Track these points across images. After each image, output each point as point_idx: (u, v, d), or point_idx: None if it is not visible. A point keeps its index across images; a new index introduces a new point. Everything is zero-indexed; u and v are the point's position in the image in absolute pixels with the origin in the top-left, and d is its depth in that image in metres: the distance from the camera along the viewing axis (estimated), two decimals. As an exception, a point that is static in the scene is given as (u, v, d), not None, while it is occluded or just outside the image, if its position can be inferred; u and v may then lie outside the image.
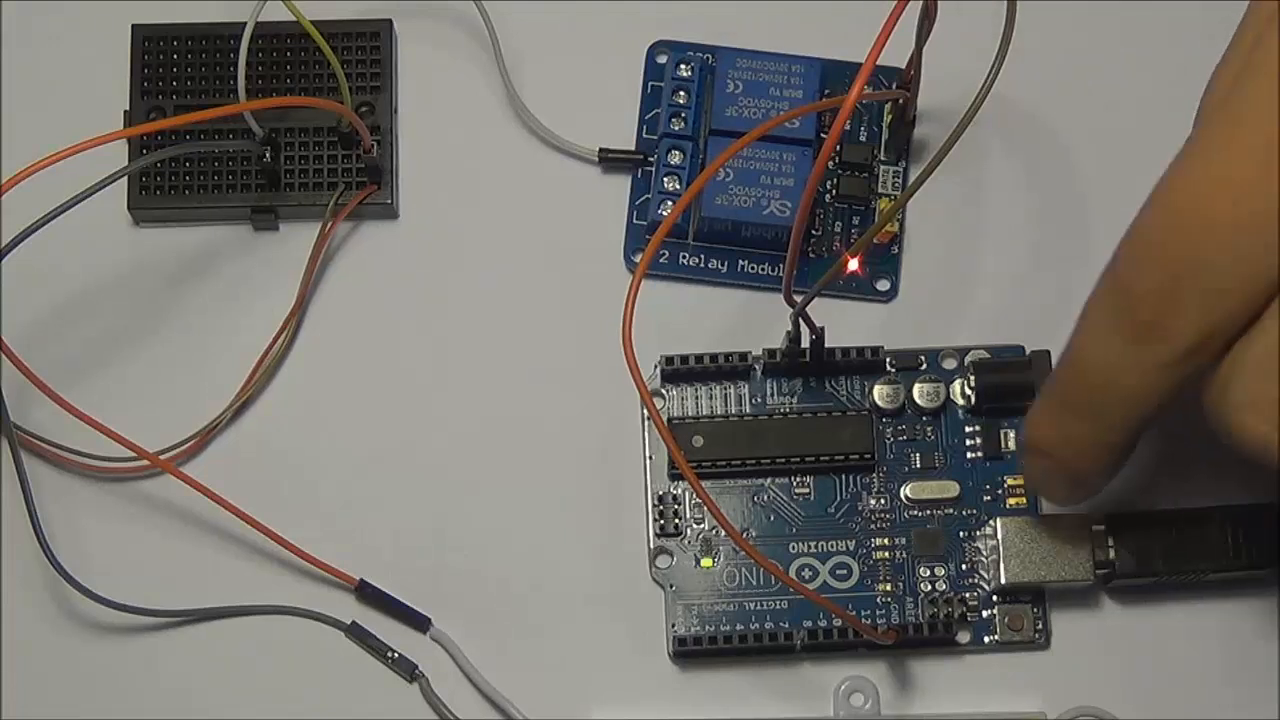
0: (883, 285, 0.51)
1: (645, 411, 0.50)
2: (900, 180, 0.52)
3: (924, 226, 0.52)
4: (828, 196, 0.52)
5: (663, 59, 0.53)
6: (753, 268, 0.51)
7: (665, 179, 0.51)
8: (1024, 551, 0.48)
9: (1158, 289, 0.39)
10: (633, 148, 0.52)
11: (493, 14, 0.52)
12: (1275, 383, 0.38)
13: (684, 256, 0.51)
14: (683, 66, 0.52)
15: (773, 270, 0.51)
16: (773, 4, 0.53)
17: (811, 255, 0.51)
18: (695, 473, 0.46)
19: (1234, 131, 0.39)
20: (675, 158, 0.51)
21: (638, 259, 0.51)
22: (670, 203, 0.51)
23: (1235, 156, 0.39)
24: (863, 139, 0.52)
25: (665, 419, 0.50)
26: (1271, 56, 0.39)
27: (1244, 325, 0.39)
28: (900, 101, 0.51)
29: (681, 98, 0.51)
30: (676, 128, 0.51)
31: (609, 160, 0.52)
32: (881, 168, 0.52)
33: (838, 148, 0.52)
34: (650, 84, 0.53)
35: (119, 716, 0.48)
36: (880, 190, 0.52)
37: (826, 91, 0.52)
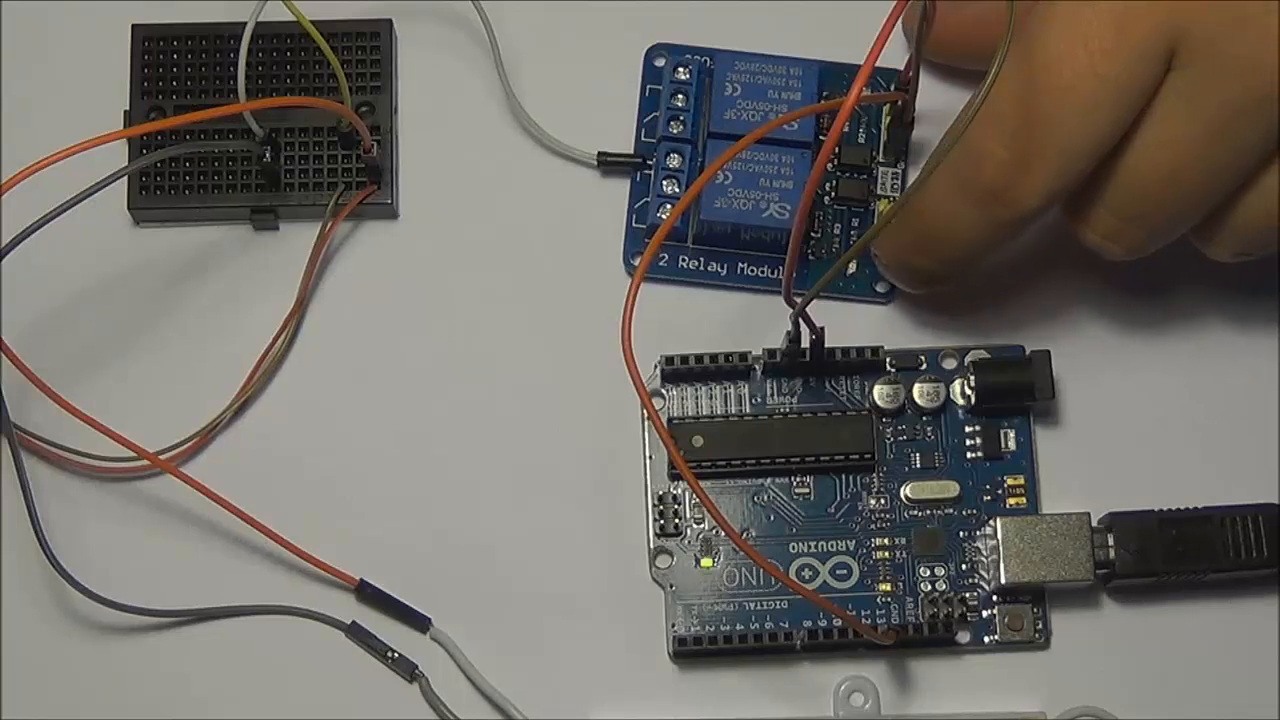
0: (882, 287, 0.51)
1: (645, 412, 0.50)
2: (899, 182, 0.52)
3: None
4: (827, 198, 0.52)
5: (661, 62, 0.53)
6: (752, 270, 0.51)
7: (664, 182, 0.51)
8: (1024, 551, 0.48)
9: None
10: (631, 151, 0.52)
11: (491, 17, 0.52)
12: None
13: (683, 259, 0.51)
14: (681, 69, 0.52)
15: (772, 273, 0.51)
16: (770, 6, 0.53)
17: (811, 257, 0.51)
18: (695, 473, 0.46)
19: None
20: (674, 161, 0.51)
21: (637, 262, 0.51)
22: (669, 206, 0.51)
23: None
24: (861, 141, 0.52)
25: (665, 419, 0.50)
26: None
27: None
28: (899, 103, 0.51)
29: (680, 101, 0.51)
30: (675, 131, 0.51)
31: (608, 164, 0.52)
32: (880, 169, 0.52)
33: (836, 150, 0.52)
34: (648, 87, 0.53)
35: (119, 716, 0.48)
36: (879, 192, 0.52)
37: (825, 94, 0.52)
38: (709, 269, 0.51)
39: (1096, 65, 0.42)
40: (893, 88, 0.51)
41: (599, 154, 0.52)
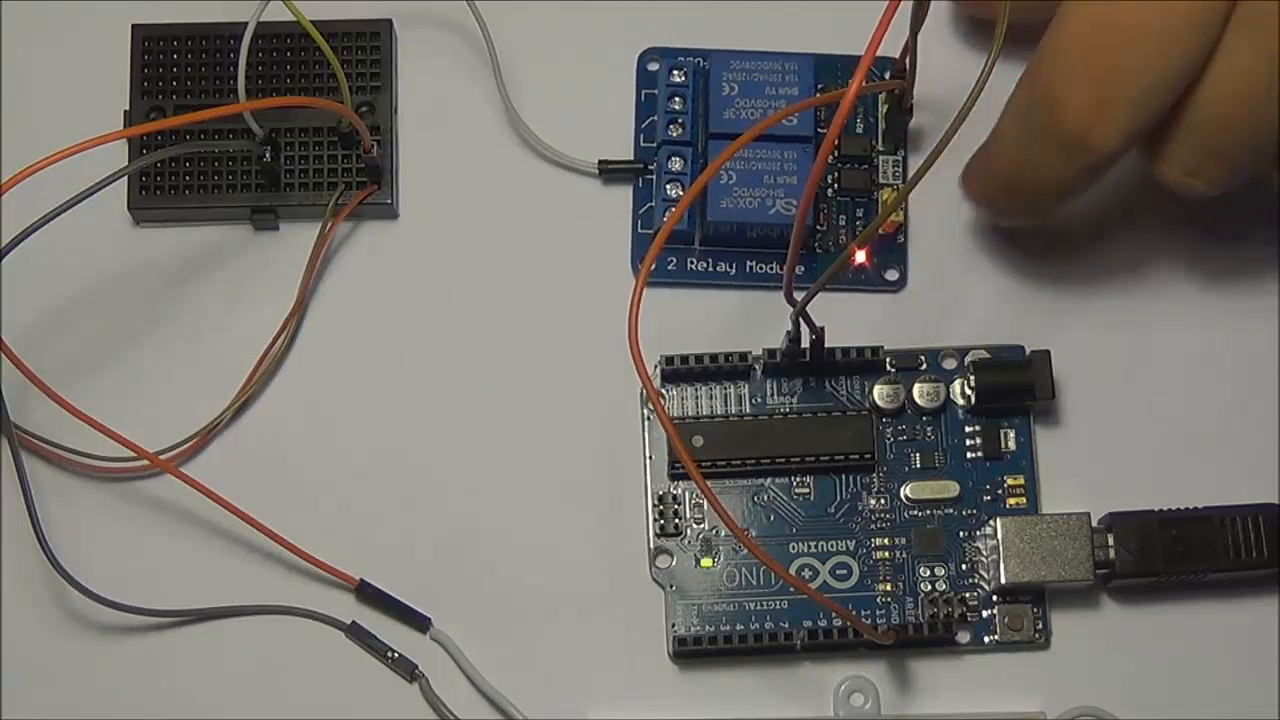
0: (892, 275, 0.51)
1: (645, 411, 0.50)
2: (900, 169, 0.52)
3: (925, 219, 0.52)
4: (830, 191, 0.52)
5: (654, 66, 0.52)
6: (761, 268, 0.51)
7: (668, 186, 0.51)
8: (1024, 551, 0.48)
9: None
10: (630, 156, 0.52)
11: (487, 19, 0.52)
12: None
13: (691, 262, 0.51)
14: (675, 72, 0.51)
15: (782, 269, 0.51)
16: (759, 6, 0.53)
17: (819, 250, 0.51)
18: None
19: None
20: (676, 164, 0.51)
21: (645, 266, 0.51)
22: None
23: None
24: (860, 131, 0.52)
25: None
26: None
27: None
28: (896, 91, 0.50)
29: (677, 104, 0.51)
30: (675, 134, 0.51)
31: (609, 172, 0.52)
32: (881, 158, 0.52)
33: (836, 142, 0.51)
34: (644, 92, 0.52)
35: (119, 716, 0.48)
36: (881, 180, 0.52)
37: (820, 86, 0.52)
38: (718, 269, 0.51)
39: (1167, 1, 0.43)
40: (889, 75, 0.51)
41: (600, 163, 0.52)
